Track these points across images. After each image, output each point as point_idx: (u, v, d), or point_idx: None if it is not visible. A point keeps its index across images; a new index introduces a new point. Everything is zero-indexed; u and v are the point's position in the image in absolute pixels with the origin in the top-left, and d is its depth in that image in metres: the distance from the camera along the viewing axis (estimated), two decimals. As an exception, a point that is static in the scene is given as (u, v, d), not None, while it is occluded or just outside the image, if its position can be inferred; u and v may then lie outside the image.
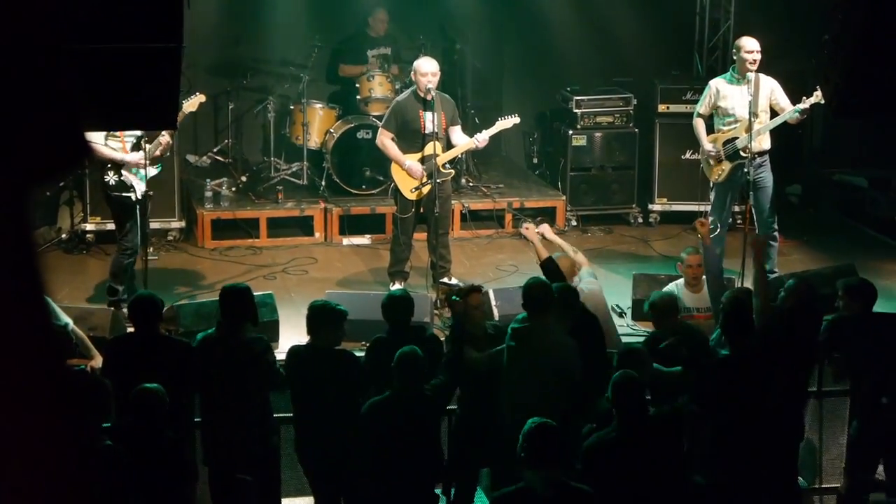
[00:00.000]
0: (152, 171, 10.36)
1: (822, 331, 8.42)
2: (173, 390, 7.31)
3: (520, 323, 7.80)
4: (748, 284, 10.23)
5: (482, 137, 11.01)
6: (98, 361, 8.48)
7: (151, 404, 7.10)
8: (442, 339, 8.87)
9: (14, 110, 1.39)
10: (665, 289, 9.71)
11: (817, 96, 10.49)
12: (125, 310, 9.24)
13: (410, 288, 10.22)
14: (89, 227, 12.33)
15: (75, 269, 11.71)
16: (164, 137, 10.32)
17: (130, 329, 8.38)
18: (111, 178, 10.17)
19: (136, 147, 10.17)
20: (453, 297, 8.37)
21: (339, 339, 8.00)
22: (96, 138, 10.00)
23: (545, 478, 6.26)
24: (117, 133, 10.11)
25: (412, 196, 10.98)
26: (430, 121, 10.82)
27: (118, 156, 10.12)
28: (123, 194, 10.18)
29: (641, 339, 9.06)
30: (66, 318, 8.74)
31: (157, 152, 10.29)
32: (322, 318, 7.93)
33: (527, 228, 9.79)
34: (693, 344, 8.22)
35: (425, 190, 10.91)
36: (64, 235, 12.41)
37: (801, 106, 10.69)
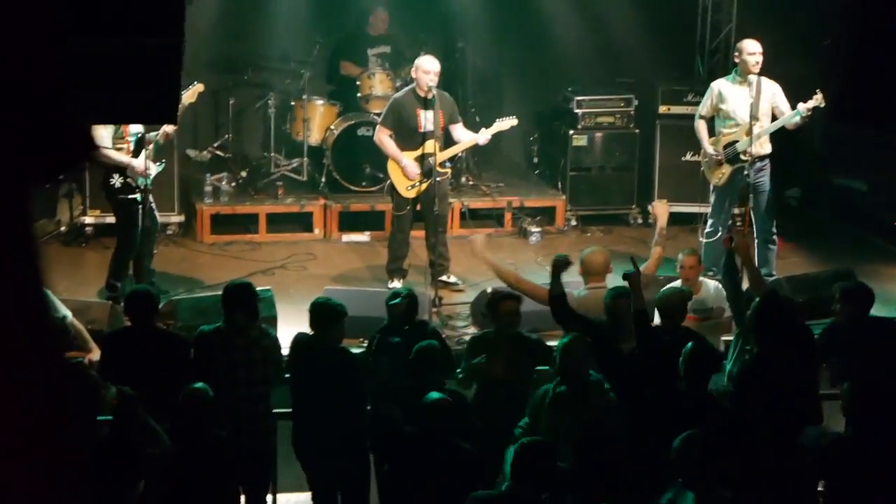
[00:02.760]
0: (155, 169, 10.40)
1: (819, 334, 8.42)
2: (170, 385, 7.32)
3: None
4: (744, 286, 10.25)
5: (482, 137, 11.03)
6: (96, 354, 8.49)
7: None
8: (443, 335, 8.90)
9: (17, 105, 1.40)
10: (666, 288, 9.65)
11: (817, 100, 10.50)
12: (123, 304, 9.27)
13: (409, 285, 10.21)
14: (88, 220, 12.33)
15: (74, 261, 11.72)
16: (167, 127, 10.36)
17: (128, 323, 8.38)
18: (116, 180, 10.24)
19: (139, 145, 10.21)
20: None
21: (340, 336, 8.03)
22: (104, 142, 10.07)
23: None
24: (122, 134, 10.16)
25: (408, 194, 10.99)
26: (427, 119, 10.83)
27: (125, 160, 10.18)
28: (129, 196, 10.24)
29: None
30: (65, 311, 8.75)
31: (161, 139, 10.35)
32: (323, 315, 7.96)
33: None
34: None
35: (421, 188, 10.91)
36: (63, 228, 12.42)
37: (800, 109, 10.69)
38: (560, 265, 8.24)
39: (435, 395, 7.06)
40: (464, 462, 6.98)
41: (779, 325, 7.89)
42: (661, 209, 9.66)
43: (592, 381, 7.40)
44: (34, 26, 1.39)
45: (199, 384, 7.18)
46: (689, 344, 7.34)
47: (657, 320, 8.63)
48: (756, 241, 11.19)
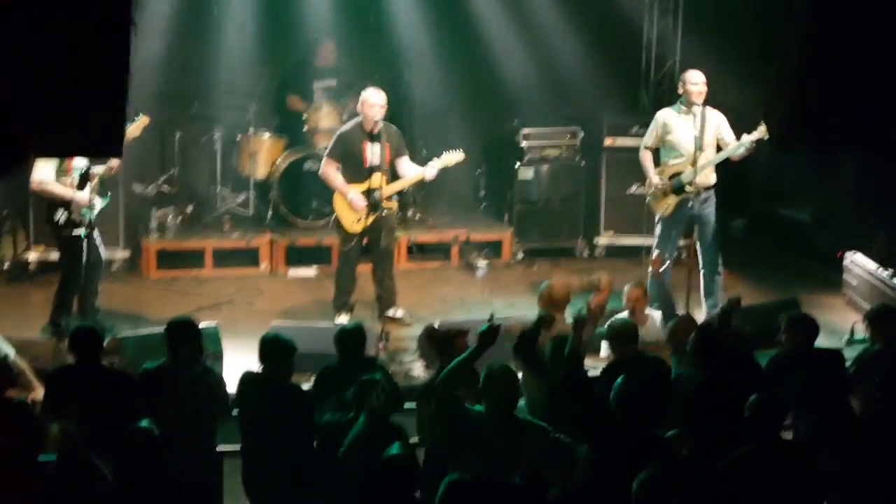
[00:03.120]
0: (101, 203, 10.33)
1: (766, 365, 8.44)
2: (114, 422, 7.24)
3: None
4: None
5: (428, 171, 11.01)
6: (39, 392, 8.40)
7: (144, 442, 7.01)
8: (389, 371, 8.85)
9: None
10: (612, 320, 9.67)
11: (761, 131, 10.58)
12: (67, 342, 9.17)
13: (356, 320, 10.16)
14: (32, 256, 12.22)
15: (17, 299, 11.60)
16: (112, 161, 10.29)
17: (72, 361, 8.29)
18: (60, 216, 10.16)
19: (83, 179, 10.12)
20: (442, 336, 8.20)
21: (289, 372, 7.97)
22: (48, 176, 10.00)
23: None
24: (66, 169, 10.08)
25: (355, 228, 10.96)
26: (372, 153, 10.82)
27: (69, 193, 10.09)
28: (73, 232, 10.16)
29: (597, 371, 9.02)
30: (8, 349, 8.65)
31: (105, 172, 10.28)
32: (273, 351, 7.91)
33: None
34: (653, 373, 8.20)
35: (368, 222, 10.89)
36: (6, 265, 12.29)
37: (745, 141, 10.76)
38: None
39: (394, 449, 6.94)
40: None
41: (720, 352, 7.94)
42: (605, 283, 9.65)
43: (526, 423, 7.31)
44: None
45: (145, 422, 7.09)
46: (620, 379, 7.27)
47: (604, 352, 8.67)
48: (702, 271, 11.24)
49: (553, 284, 9.27)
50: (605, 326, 8.70)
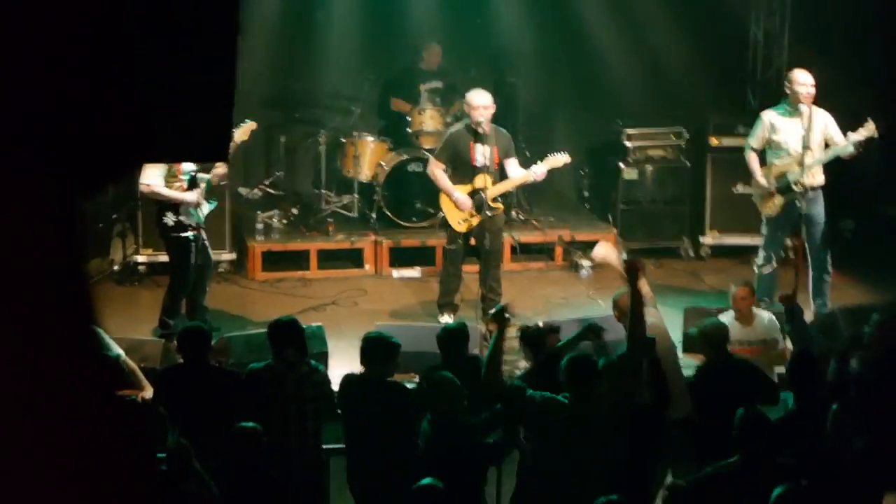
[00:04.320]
0: (208, 207, 10.47)
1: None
2: (221, 421, 7.34)
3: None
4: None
5: (539, 171, 10.97)
6: (148, 392, 8.53)
7: (250, 442, 7.11)
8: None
9: (65, 113, 1.40)
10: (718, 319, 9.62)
11: (869, 129, 10.42)
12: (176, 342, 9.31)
13: (460, 320, 10.18)
14: (141, 258, 12.42)
15: (127, 300, 11.78)
16: (219, 169, 10.42)
17: (181, 360, 8.42)
18: (170, 219, 10.28)
19: (192, 184, 10.26)
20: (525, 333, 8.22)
21: (391, 371, 8.03)
22: (157, 180, 10.15)
23: None
24: (175, 172, 10.22)
25: (460, 228, 10.99)
26: (481, 153, 10.83)
27: (178, 196, 10.23)
28: (182, 235, 10.29)
29: (692, 371, 8.98)
30: (118, 349, 8.80)
31: (214, 180, 10.41)
32: (376, 349, 7.97)
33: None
34: (741, 377, 8.15)
35: (473, 222, 10.91)
36: (116, 267, 12.49)
37: (852, 139, 10.61)
38: (595, 332, 8.25)
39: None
40: None
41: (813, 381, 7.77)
42: (605, 252, 9.50)
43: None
44: (90, 63, 1.40)
45: (250, 423, 7.18)
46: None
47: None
48: (811, 272, 11.11)
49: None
50: (696, 328, 8.68)
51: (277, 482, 7.29)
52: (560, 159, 11.08)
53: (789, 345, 9.96)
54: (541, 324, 9.48)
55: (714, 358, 8.41)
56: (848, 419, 7.33)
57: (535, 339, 8.29)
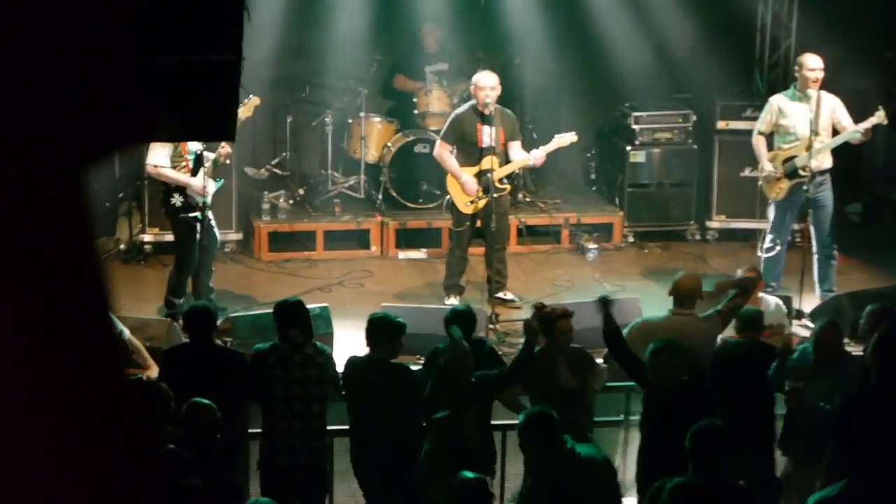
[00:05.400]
0: (214, 186, 10.48)
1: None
2: (226, 401, 7.36)
3: None
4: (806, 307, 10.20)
5: (538, 154, 11.02)
6: (154, 371, 8.55)
7: (203, 419, 7.10)
8: (500, 353, 8.89)
9: (72, 81, 1.41)
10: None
11: (879, 116, 10.41)
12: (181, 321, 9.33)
13: (466, 302, 10.20)
14: (147, 238, 12.43)
15: (133, 279, 11.80)
16: (225, 147, 10.43)
17: (186, 340, 8.44)
18: (176, 199, 10.30)
19: (197, 162, 10.27)
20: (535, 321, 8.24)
21: (397, 352, 8.05)
22: (163, 160, 10.17)
23: None
24: (181, 152, 10.23)
25: (467, 210, 11.00)
26: (487, 135, 10.82)
27: (183, 180, 10.24)
28: (189, 215, 10.31)
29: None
30: (123, 328, 8.82)
31: (220, 159, 10.44)
32: (381, 330, 7.98)
33: None
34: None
35: (480, 204, 10.91)
36: (122, 246, 12.51)
37: (863, 125, 10.61)
38: (605, 303, 8.23)
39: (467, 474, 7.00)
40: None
41: None
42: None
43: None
44: (99, 42, 1.40)
45: (203, 399, 7.14)
46: None
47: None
48: (816, 256, 11.12)
49: (680, 279, 9.04)
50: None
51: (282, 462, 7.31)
52: (567, 138, 11.11)
53: (795, 330, 9.99)
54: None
55: (748, 337, 8.36)
56: None
57: (546, 321, 8.31)
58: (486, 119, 10.82)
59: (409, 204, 13.13)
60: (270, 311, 8.55)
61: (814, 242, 11.16)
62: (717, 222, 13.52)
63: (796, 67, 11.12)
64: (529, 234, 13.00)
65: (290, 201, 13.19)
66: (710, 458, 6.47)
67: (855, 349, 8.72)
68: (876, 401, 7.07)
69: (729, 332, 8.68)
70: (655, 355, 7.54)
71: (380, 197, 13.18)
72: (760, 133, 11.24)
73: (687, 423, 6.70)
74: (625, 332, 8.21)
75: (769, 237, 11.35)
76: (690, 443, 6.50)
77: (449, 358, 7.71)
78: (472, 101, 11.02)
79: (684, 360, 7.58)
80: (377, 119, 13.36)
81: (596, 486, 7.05)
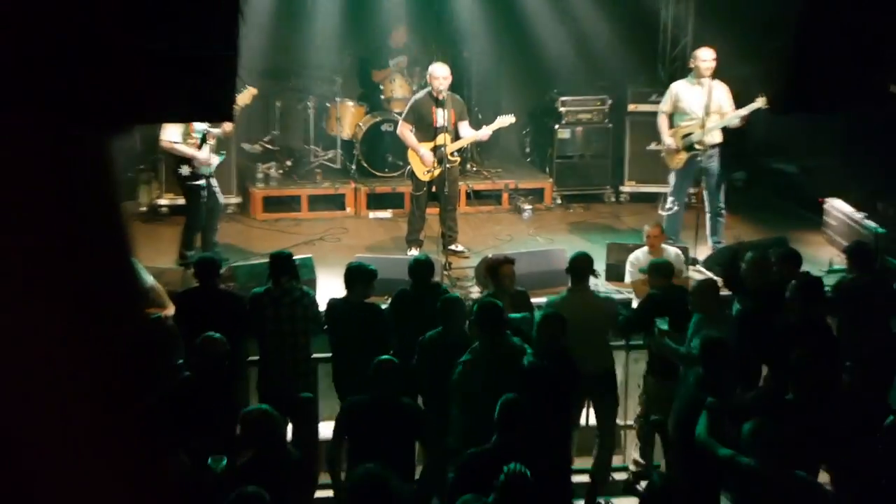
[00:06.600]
0: (217, 159, 10.39)
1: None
2: (229, 335, 7.34)
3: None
4: (700, 256, 10.29)
5: (484, 132, 11.00)
6: (172, 310, 8.52)
7: (215, 349, 7.06)
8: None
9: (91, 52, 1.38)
10: (635, 253, 9.68)
11: (760, 102, 10.43)
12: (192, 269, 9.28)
13: (425, 253, 10.18)
14: (164, 202, 12.36)
15: (152, 236, 11.71)
16: (226, 127, 10.36)
17: (196, 284, 8.40)
18: (184, 170, 10.23)
19: (203, 140, 10.18)
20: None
21: (369, 294, 8.05)
22: (175, 137, 10.07)
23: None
24: (190, 131, 10.14)
25: (425, 178, 10.97)
26: (441, 116, 10.79)
27: (191, 152, 10.15)
28: (195, 183, 10.23)
29: (620, 297, 9.03)
30: (150, 277, 8.80)
31: (222, 136, 10.40)
32: (356, 276, 8.00)
33: None
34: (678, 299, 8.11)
35: (436, 173, 10.88)
36: (143, 209, 12.43)
37: (743, 111, 10.63)
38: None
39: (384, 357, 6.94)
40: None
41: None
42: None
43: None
44: (107, 32, 1.37)
45: (216, 333, 7.07)
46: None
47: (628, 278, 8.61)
48: (707, 215, 11.18)
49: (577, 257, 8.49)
50: (648, 265, 8.67)
51: (231, 386, 7.26)
52: (507, 119, 11.09)
53: (691, 275, 10.04)
54: (489, 256, 9.50)
55: (659, 286, 8.33)
56: None
57: (492, 268, 8.31)
58: (439, 103, 10.77)
59: (377, 173, 13.08)
60: (265, 261, 8.51)
61: (706, 203, 11.23)
62: (628, 187, 13.56)
63: (692, 59, 11.14)
64: (476, 197, 12.99)
65: (280, 171, 13.13)
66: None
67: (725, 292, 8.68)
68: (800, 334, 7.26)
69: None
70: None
71: (353, 167, 13.12)
72: (663, 112, 11.26)
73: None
74: (537, 316, 7.75)
75: (670, 199, 11.39)
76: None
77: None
78: (428, 88, 10.96)
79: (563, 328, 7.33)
80: (350, 103, 13.29)
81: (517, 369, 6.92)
